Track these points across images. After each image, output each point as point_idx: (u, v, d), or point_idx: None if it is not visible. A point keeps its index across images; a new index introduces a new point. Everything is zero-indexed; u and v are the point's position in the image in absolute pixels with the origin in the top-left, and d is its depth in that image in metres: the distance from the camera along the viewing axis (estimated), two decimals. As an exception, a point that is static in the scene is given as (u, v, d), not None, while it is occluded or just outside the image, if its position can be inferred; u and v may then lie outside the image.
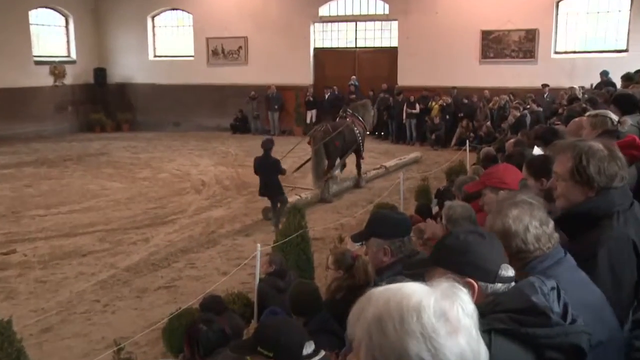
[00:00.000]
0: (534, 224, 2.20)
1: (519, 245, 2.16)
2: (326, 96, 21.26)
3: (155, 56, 24.50)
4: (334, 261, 4.57)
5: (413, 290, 1.25)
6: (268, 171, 10.34)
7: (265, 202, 11.27)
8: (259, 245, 6.26)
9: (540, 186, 3.74)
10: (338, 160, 13.25)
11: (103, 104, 24.10)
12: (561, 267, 2.16)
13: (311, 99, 21.56)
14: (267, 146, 10.46)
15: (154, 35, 24.47)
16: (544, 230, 2.21)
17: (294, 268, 6.90)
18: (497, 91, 18.70)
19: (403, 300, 1.22)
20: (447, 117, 19.17)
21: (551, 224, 2.25)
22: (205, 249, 9.47)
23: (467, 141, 13.77)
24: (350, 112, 13.81)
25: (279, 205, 10.46)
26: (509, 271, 1.92)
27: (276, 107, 21.98)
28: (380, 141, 20.29)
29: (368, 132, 14.92)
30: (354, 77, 21.43)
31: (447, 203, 4.33)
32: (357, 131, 13.43)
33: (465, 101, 19.13)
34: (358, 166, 13.66)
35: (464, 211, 4.06)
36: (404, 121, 19.79)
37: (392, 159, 16.16)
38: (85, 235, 10.16)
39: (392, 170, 14.89)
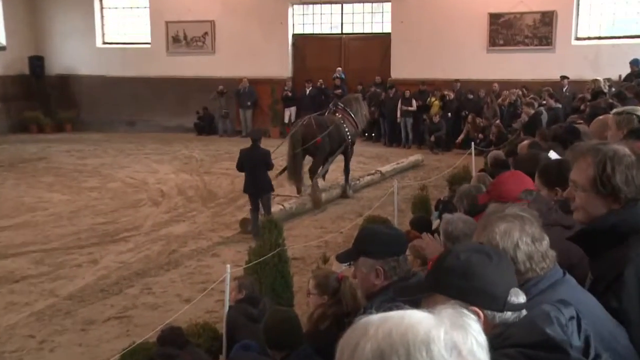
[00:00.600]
0: (525, 240, 2.23)
1: None
2: (307, 91, 21.32)
3: (104, 43, 24.39)
4: (316, 285, 4.56)
5: (418, 320, 1.25)
6: (257, 164, 10.58)
7: (243, 213, 11.28)
8: (228, 266, 6.24)
9: (555, 197, 3.77)
10: (327, 161, 13.30)
11: (41, 100, 23.92)
12: (560, 290, 2.18)
13: (289, 94, 21.60)
14: (256, 136, 10.95)
15: (102, 17, 24.38)
16: (536, 248, 2.23)
17: (269, 293, 6.89)
18: (507, 84, 18.85)
19: (408, 332, 1.22)
20: (449, 115, 19.29)
21: (546, 241, 2.28)
22: (165, 271, 9.42)
23: (473, 143, 13.86)
24: (342, 106, 13.85)
25: (260, 206, 10.67)
26: (519, 297, 1.93)
27: (248, 103, 21.98)
28: (370, 143, 20.36)
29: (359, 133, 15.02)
30: (339, 68, 21.51)
31: (446, 217, 4.35)
32: (347, 129, 13.47)
33: (471, 96, 19.28)
34: (346, 171, 13.71)
35: (465, 227, 4.07)
36: (398, 120, 19.89)
37: (386, 164, 16.22)
38: (18, 256, 10.04)
39: (388, 176, 14.96)
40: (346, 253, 3.48)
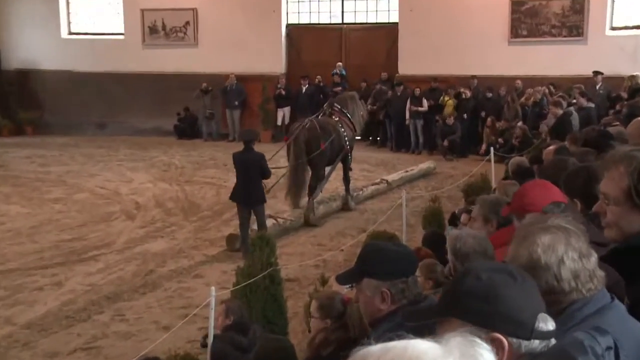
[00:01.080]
0: (571, 256, 2.21)
1: (551, 283, 2.17)
2: (303, 89, 21.34)
3: (70, 33, 24.41)
4: (318, 307, 4.62)
5: (423, 350, 1.26)
6: (250, 170, 10.59)
7: (230, 228, 11.21)
8: (213, 289, 6.23)
9: (576, 209, 3.77)
10: (326, 170, 13.26)
11: (-3, 98, 23.93)
12: (607, 317, 2.16)
13: (283, 92, 21.63)
14: (248, 137, 10.93)
15: (68, 4, 24.41)
16: (584, 265, 2.22)
17: (260, 320, 6.87)
18: (532, 81, 18.89)
19: None
20: (465, 116, 19.31)
21: (594, 258, 2.27)
22: (140, 295, 9.40)
23: (492, 149, 13.87)
24: (338, 107, 13.79)
25: (252, 219, 10.69)
26: (548, 323, 1.93)
27: (236, 103, 22.00)
28: (375, 149, 20.36)
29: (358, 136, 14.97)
30: (339, 63, 21.54)
31: (453, 233, 4.35)
32: (345, 134, 13.44)
33: (489, 95, 19.31)
34: (346, 180, 13.68)
35: (475, 243, 4.08)
36: (406, 122, 19.90)
37: (393, 173, 16.22)
38: (-28, 278, 10.02)
39: (396, 186, 14.97)
40: (347, 274, 3.47)
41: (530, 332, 1.89)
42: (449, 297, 2.01)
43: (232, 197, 10.93)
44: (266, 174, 10.80)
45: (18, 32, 24.30)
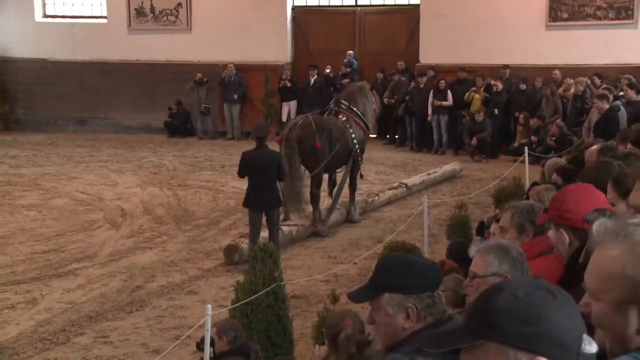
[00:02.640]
0: None
1: None
2: (311, 80, 21.33)
3: (45, 16, 24.45)
4: (325, 330, 4.62)
5: None
6: (265, 169, 10.66)
7: (227, 238, 11.19)
8: (209, 307, 6.23)
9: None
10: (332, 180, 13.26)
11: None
12: None
13: (289, 84, 21.62)
14: (262, 133, 10.99)
15: (43, -17, 24.48)
16: None
17: (263, 342, 6.88)
18: (573, 72, 18.81)
19: None
20: (496, 111, 19.25)
21: None
22: (127, 314, 9.40)
23: (527, 148, 13.85)
24: (346, 105, 13.63)
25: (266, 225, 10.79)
26: (592, 345, 1.93)
27: (235, 96, 22.01)
28: (393, 148, 20.33)
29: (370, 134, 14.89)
30: (350, 52, 21.51)
31: (477, 249, 4.34)
32: (354, 135, 13.29)
33: (523, 87, 19.25)
34: (352, 187, 13.55)
35: None
36: (429, 118, 19.87)
37: (414, 175, 16.22)
38: None
39: (416, 191, 15.00)
40: (363, 289, 3.43)
41: (577, 356, 1.89)
42: (480, 318, 1.99)
43: (246, 203, 10.96)
44: (282, 174, 10.91)
45: (-13, 16, 24.38)
